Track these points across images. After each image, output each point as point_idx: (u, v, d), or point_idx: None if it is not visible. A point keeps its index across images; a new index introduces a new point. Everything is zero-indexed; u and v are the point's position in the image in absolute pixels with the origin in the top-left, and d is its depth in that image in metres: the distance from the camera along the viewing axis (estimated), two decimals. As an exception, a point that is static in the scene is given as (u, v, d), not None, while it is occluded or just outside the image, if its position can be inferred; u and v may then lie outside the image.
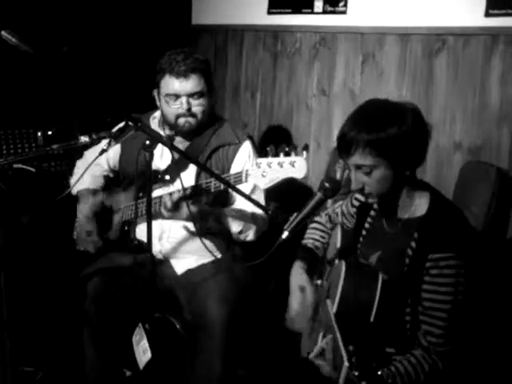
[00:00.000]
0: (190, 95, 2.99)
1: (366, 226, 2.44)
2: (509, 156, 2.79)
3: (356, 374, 1.88)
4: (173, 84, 2.98)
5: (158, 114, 3.21)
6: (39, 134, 3.65)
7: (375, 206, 2.45)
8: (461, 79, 2.98)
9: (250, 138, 3.23)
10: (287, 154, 2.32)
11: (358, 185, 2.23)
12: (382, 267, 2.28)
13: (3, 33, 2.03)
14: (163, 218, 3.05)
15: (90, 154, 3.28)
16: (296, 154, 2.32)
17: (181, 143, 3.14)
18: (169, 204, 2.79)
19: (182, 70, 2.95)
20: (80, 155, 3.42)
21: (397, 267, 2.22)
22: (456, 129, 3.00)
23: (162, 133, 3.17)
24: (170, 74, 2.98)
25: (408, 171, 2.21)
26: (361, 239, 2.45)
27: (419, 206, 2.25)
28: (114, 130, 2.52)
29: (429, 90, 3.11)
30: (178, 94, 2.99)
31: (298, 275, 2.58)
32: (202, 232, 2.98)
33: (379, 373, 1.94)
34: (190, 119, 3.03)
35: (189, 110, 3.00)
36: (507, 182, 2.63)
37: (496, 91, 2.83)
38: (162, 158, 3.11)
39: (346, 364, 1.86)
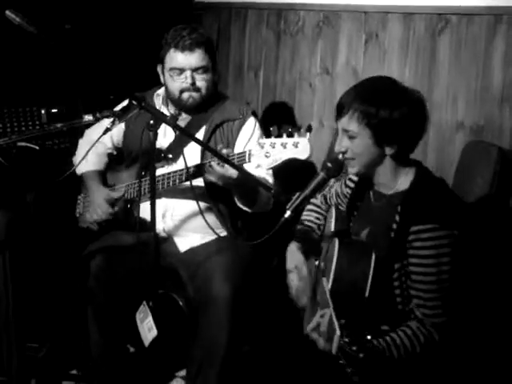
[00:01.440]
0: (195, 69, 3.01)
1: (357, 203, 2.48)
2: (510, 136, 2.79)
3: (347, 340, 1.92)
4: (178, 58, 3.00)
5: (161, 91, 3.22)
6: (43, 111, 3.65)
7: (355, 178, 2.50)
8: (464, 59, 2.98)
9: (254, 113, 3.24)
10: (290, 135, 2.34)
11: (341, 148, 2.25)
12: (371, 243, 2.31)
13: (7, 12, 2.04)
14: (166, 196, 3.07)
15: (92, 132, 3.29)
16: (299, 135, 2.34)
17: (184, 120, 3.15)
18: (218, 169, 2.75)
19: (187, 43, 2.97)
20: (81, 133, 3.43)
21: (384, 242, 2.25)
22: (458, 108, 3.00)
23: (165, 110, 3.18)
24: (176, 48, 2.99)
25: (391, 151, 2.22)
26: (352, 218, 2.48)
27: (404, 181, 2.28)
28: (118, 108, 2.53)
29: (431, 69, 3.11)
30: (183, 67, 3.00)
31: (292, 255, 2.63)
32: (207, 209, 3.00)
33: (369, 337, 1.98)
34: (194, 94, 3.05)
35: (193, 84, 3.02)
36: (509, 162, 2.64)
37: (499, 71, 2.83)
38: (165, 136, 3.12)
39: (338, 333, 1.90)
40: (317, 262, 2.59)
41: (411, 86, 3.08)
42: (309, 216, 2.77)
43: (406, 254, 2.19)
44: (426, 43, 3.16)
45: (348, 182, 2.57)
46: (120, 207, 3.20)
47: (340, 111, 2.23)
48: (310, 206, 2.79)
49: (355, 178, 2.52)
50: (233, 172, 2.63)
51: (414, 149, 2.28)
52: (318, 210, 2.77)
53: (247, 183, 2.84)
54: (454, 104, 3.02)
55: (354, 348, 1.91)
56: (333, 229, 2.55)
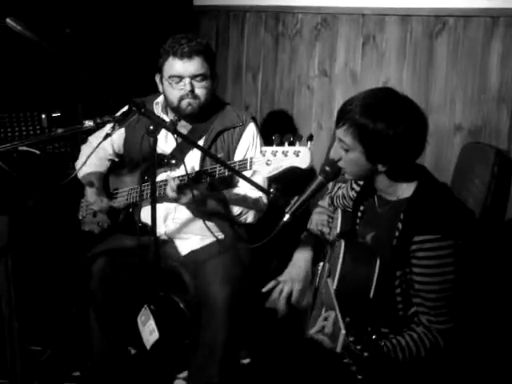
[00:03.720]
0: (193, 77, 3.02)
1: (361, 208, 2.47)
2: (508, 137, 2.80)
3: (352, 339, 1.93)
4: (176, 65, 3.01)
5: (160, 99, 3.23)
6: (43, 116, 3.67)
7: (360, 181, 2.49)
8: (461, 61, 2.99)
9: (254, 119, 3.26)
10: (292, 144, 2.35)
11: (336, 156, 2.25)
12: (375, 247, 2.32)
13: (8, 20, 2.05)
14: (168, 201, 3.09)
15: (94, 139, 3.32)
16: (300, 144, 2.35)
17: (184, 127, 3.17)
18: (174, 188, 2.83)
19: (185, 51, 2.98)
20: (84, 138, 3.45)
21: (386, 248, 2.25)
22: (456, 110, 3.02)
23: (165, 117, 3.20)
24: (174, 56, 3.01)
25: (384, 167, 2.20)
26: (357, 220, 2.48)
27: (406, 189, 2.26)
28: (118, 114, 2.54)
29: (429, 71, 3.12)
30: (182, 75, 3.02)
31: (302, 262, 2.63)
32: (203, 215, 3.02)
33: (374, 337, 1.98)
34: (193, 101, 3.06)
35: (192, 91, 3.03)
36: (506, 163, 2.65)
37: (496, 73, 2.84)
38: (166, 141, 3.14)
39: (343, 331, 1.91)
40: (321, 264, 2.61)
41: (409, 88, 3.17)
42: (318, 220, 2.78)
43: (408, 262, 2.19)
44: (423, 45, 3.17)
45: (354, 185, 2.57)
46: (122, 210, 3.23)
47: (338, 120, 2.22)
48: (318, 209, 2.81)
49: (360, 182, 2.51)
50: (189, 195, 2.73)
51: (409, 165, 2.25)
52: (327, 212, 2.78)
53: (205, 203, 2.95)
54: (451, 106, 3.04)
55: (359, 347, 1.92)
56: (338, 230, 2.57)
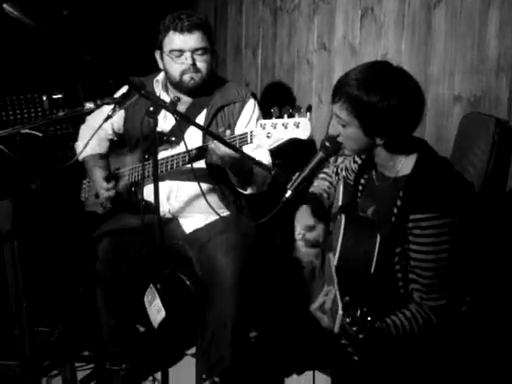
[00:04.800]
0: (194, 50, 3.04)
1: (362, 181, 2.48)
2: (507, 107, 2.79)
3: (348, 320, 1.93)
4: (177, 40, 3.04)
5: (160, 76, 3.24)
6: (44, 98, 3.68)
7: (360, 158, 2.50)
8: (459, 31, 2.98)
9: (254, 95, 3.28)
10: (291, 116, 2.36)
11: (334, 132, 2.27)
12: (376, 221, 2.33)
13: (5, 6, 2.05)
14: (170, 179, 3.11)
15: (93, 118, 3.33)
16: (300, 115, 2.36)
17: (185, 103, 3.18)
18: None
19: (186, 25, 3.01)
20: (83, 119, 3.47)
21: (386, 224, 2.26)
22: (455, 81, 3.01)
23: (165, 95, 3.21)
24: (174, 30, 3.03)
25: (382, 140, 2.21)
26: (359, 194, 2.49)
27: (406, 165, 2.27)
28: (118, 95, 2.55)
29: (428, 42, 3.11)
30: (183, 49, 3.04)
31: (305, 217, 2.63)
32: (211, 189, 3.04)
33: (369, 318, 1.98)
34: (195, 75, 3.08)
35: (193, 64, 3.05)
36: (506, 132, 2.64)
37: (494, 43, 2.82)
38: (165, 119, 3.16)
39: (340, 312, 1.92)
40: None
41: (407, 59, 3.17)
42: (321, 184, 2.79)
43: (406, 239, 2.20)
44: (421, 16, 3.15)
45: (356, 158, 2.58)
46: (124, 188, 3.24)
47: (333, 97, 2.23)
48: (322, 175, 2.82)
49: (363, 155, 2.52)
50: (231, 152, 2.66)
51: (407, 138, 2.26)
52: (329, 179, 2.79)
53: (244, 164, 2.88)
54: (450, 77, 3.02)
55: (355, 328, 1.93)
56: (340, 203, 2.57)
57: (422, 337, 2.21)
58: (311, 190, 2.77)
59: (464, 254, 2.20)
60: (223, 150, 2.70)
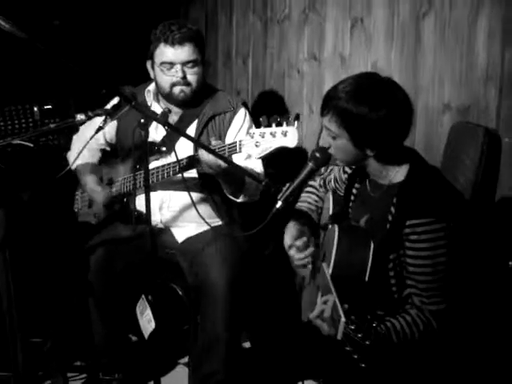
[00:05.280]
0: (185, 63, 3.04)
1: (354, 191, 2.49)
2: (496, 116, 2.82)
3: (352, 327, 1.94)
4: (168, 52, 3.03)
5: (152, 86, 3.25)
6: (35, 108, 3.68)
7: (351, 168, 2.51)
8: (448, 41, 3.00)
9: (245, 104, 3.29)
10: (279, 124, 2.38)
11: (325, 143, 2.28)
12: (369, 230, 2.34)
13: (-4, 20, 2.06)
14: (162, 189, 3.12)
15: (86, 129, 3.33)
16: (288, 124, 2.38)
17: (176, 114, 3.19)
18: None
19: (176, 38, 3.00)
20: (76, 129, 3.47)
21: (379, 232, 2.27)
22: (445, 90, 3.03)
23: (156, 105, 3.22)
24: (165, 43, 3.02)
25: (372, 152, 2.22)
26: (351, 204, 2.50)
27: (398, 173, 2.28)
28: (109, 106, 2.56)
29: (417, 52, 3.13)
30: (173, 62, 3.04)
31: (290, 231, 2.61)
32: (202, 199, 3.05)
33: (374, 324, 1.99)
34: (185, 88, 3.09)
35: (183, 78, 3.05)
36: (495, 142, 2.66)
37: (483, 53, 2.84)
38: (156, 130, 3.16)
39: (343, 319, 1.93)
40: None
41: (397, 69, 3.19)
42: (307, 198, 2.79)
43: (402, 245, 2.21)
44: (410, 26, 3.17)
45: (346, 168, 2.58)
46: (116, 201, 3.25)
47: (323, 110, 2.25)
48: (308, 188, 2.81)
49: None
50: (217, 160, 2.67)
51: (398, 148, 2.27)
52: (317, 192, 2.79)
53: (234, 172, 2.89)
54: (440, 86, 3.05)
55: (360, 335, 1.93)
56: (331, 213, 2.58)
57: (422, 341, 2.21)
58: (298, 205, 2.77)
59: (459, 259, 2.21)
60: (206, 157, 2.72)
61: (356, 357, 1.97)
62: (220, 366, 3.00)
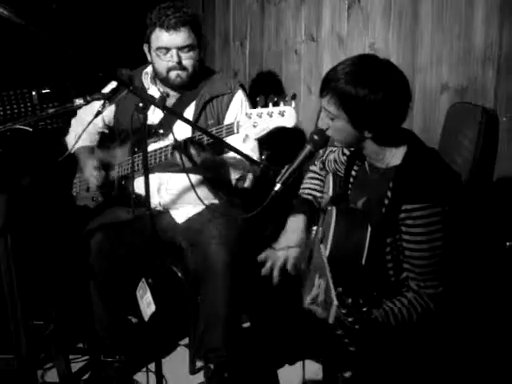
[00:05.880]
0: (180, 48, 3.04)
1: (353, 173, 2.50)
2: (494, 96, 2.83)
3: (344, 311, 1.94)
4: (163, 37, 3.02)
5: (149, 69, 3.25)
6: (34, 93, 3.68)
7: (349, 150, 2.52)
8: (446, 20, 3.00)
9: (242, 86, 3.29)
10: (276, 104, 2.39)
11: (323, 125, 2.28)
12: (366, 213, 2.35)
13: (-5, 7, 2.06)
14: (160, 171, 3.13)
15: (84, 112, 3.33)
16: (285, 104, 2.39)
17: (174, 96, 3.20)
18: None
19: (172, 23, 2.99)
20: (74, 112, 3.48)
21: (376, 215, 2.27)
22: (442, 70, 3.03)
23: (154, 88, 3.23)
24: (161, 28, 3.02)
25: (370, 133, 2.23)
26: (350, 185, 2.50)
27: (395, 156, 2.28)
28: (107, 90, 2.56)
29: (415, 32, 3.13)
30: (169, 47, 3.03)
31: (293, 234, 2.63)
32: (200, 181, 3.06)
33: (364, 309, 1.99)
34: (181, 72, 3.09)
35: (179, 62, 3.05)
36: (493, 122, 2.66)
37: (481, 33, 2.85)
38: (154, 112, 3.15)
39: (335, 303, 1.92)
40: (314, 228, 2.64)
41: (395, 49, 3.19)
42: (309, 184, 2.80)
43: (398, 229, 2.22)
44: (408, 6, 3.17)
45: (345, 150, 2.59)
46: (113, 177, 3.25)
47: (322, 91, 2.25)
48: (310, 174, 2.82)
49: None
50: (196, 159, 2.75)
51: (395, 130, 2.28)
52: (318, 176, 2.80)
53: (212, 167, 2.98)
54: (437, 66, 3.05)
55: (350, 319, 1.94)
56: (330, 194, 2.59)
57: (419, 325, 2.22)
58: (300, 192, 2.78)
59: (457, 241, 2.22)
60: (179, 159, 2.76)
61: (346, 340, 1.98)
62: (220, 342, 3.04)
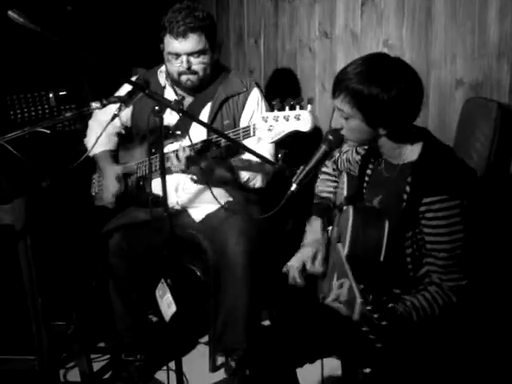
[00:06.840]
0: (190, 54, 3.04)
1: (368, 172, 2.50)
2: (509, 91, 2.81)
3: (369, 308, 1.95)
4: (173, 43, 3.03)
5: (164, 68, 3.27)
6: (51, 95, 3.72)
7: (364, 149, 2.54)
8: (460, 16, 2.99)
9: (258, 84, 3.30)
10: (293, 108, 2.39)
11: (337, 125, 2.29)
12: (383, 210, 2.35)
13: (10, 13, 2.08)
14: (178, 171, 3.15)
15: (101, 113, 3.35)
16: (301, 108, 2.39)
17: (188, 98, 3.22)
18: (175, 161, 2.90)
19: (180, 30, 2.99)
20: (90, 115, 3.50)
21: (395, 211, 2.28)
22: (457, 65, 3.03)
23: (169, 86, 3.25)
24: (170, 34, 3.03)
25: (384, 131, 2.24)
26: (365, 184, 2.51)
27: (411, 152, 2.29)
28: (123, 93, 2.59)
29: (428, 27, 3.12)
30: (178, 53, 3.04)
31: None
32: (211, 184, 3.09)
33: (390, 305, 2.00)
34: (191, 76, 3.10)
35: (189, 68, 3.06)
36: (508, 117, 2.66)
37: (495, 26, 2.83)
38: (171, 113, 3.17)
39: (360, 300, 1.94)
40: (330, 228, 2.65)
41: (409, 45, 3.19)
42: (323, 186, 2.81)
43: (418, 223, 2.23)
44: (421, 2, 3.16)
45: (359, 149, 2.59)
46: (132, 183, 3.29)
47: (334, 91, 2.26)
48: (322, 176, 2.83)
49: (365, 146, 2.54)
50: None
51: (410, 126, 2.29)
52: (331, 177, 2.81)
53: (213, 173, 3.03)
54: (452, 61, 3.04)
55: (376, 316, 1.94)
56: (345, 194, 2.60)
57: (442, 318, 2.23)
58: (316, 194, 2.80)
59: (476, 235, 2.23)
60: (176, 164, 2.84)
61: (372, 337, 2.00)
62: (241, 338, 3.08)
